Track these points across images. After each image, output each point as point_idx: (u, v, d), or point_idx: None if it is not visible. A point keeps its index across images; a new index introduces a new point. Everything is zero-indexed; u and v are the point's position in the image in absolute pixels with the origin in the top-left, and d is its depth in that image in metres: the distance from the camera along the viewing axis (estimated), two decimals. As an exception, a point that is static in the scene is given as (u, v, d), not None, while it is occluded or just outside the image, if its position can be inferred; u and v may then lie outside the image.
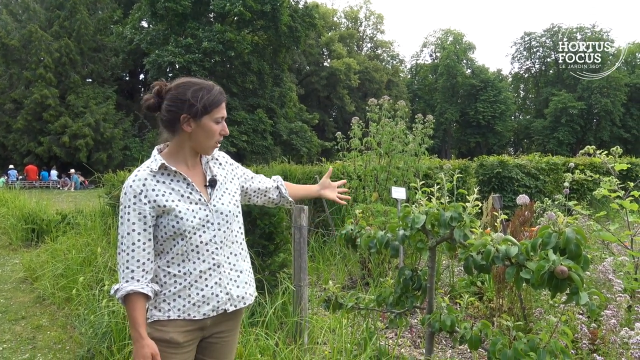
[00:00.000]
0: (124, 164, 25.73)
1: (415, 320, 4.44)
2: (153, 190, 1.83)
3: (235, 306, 1.97)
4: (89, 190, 23.28)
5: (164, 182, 1.86)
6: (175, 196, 1.85)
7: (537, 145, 55.03)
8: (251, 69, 35.22)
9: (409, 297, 2.83)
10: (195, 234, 1.85)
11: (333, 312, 3.37)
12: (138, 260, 1.80)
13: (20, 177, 28.36)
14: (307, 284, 3.87)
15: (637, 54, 54.08)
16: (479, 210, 5.77)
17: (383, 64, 61.41)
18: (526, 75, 65.96)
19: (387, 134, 6.26)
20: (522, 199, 4.16)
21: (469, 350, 3.58)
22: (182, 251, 1.85)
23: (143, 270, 1.81)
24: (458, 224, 2.31)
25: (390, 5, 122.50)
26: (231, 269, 1.96)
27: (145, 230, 1.82)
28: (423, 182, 3.47)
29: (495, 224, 2.68)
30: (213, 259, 1.89)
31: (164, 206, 1.82)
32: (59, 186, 27.26)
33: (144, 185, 1.83)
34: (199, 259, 1.87)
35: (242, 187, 2.19)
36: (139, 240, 1.81)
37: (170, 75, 35.86)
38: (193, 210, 1.85)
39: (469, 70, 61.55)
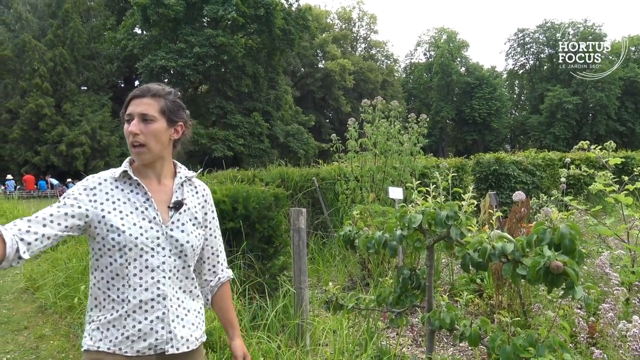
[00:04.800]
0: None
1: (416, 319, 4.47)
2: (107, 193, 1.66)
3: (177, 349, 1.69)
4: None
5: (122, 190, 1.68)
6: (129, 207, 1.66)
7: (533, 141, 55.15)
8: (246, 73, 35.25)
9: (408, 296, 2.86)
10: (141, 256, 1.62)
11: (334, 313, 3.40)
12: (29, 220, 1.51)
13: (18, 187, 28.33)
14: (308, 286, 3.90)
15: (630, 48, 54.24)
16: (476, 209, 5.81)
17: (377, 64, 61.49)
18: (521, 72, 66.07)
19: (382, 135, 6.30)
20: (518, 195, 4.18)
21: (469, 347, 3.61)
22: (124, 273, 1.62)
23: (26, 226, 1.48)
24: (454, 223, 2.34)
25: (383, 5, 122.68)
26: (179, 305, 1.71)
27: (66, 214, 1.56)
28: (419, 181, 3.50)
29: (491, 221, 2.71)
30: (158, 288, 1.64)
31: (109, 212, 1.61)
32: (57, 194, 27.22)
33: (99, 184, 1.67)
34: (141, 286, 1.62)
35: None
36: (51, 215, 1.54)
37: (165, 80, 35.91)
38: (142, 227, 1.63)
39: (463, 68, 61.67)
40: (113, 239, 1.60)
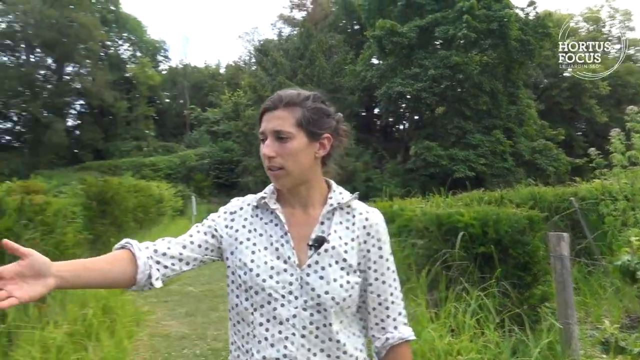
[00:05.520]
0: (367, 196, 27.17)
1: None
2: (245, 219, 1.43)
3: None
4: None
5: (261, 219, 1.42)
6: (264, 242, 1.38)
7: None
8: (483, 90, 34.22)
9: None
10: (269, 303, 1.31)
11: (614, 357, 2.92)
12: (169, 242, 1.37)
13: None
14: (576, 322, 3.46)
15: None
16: None
17: (638, 64, 53.88)
18: None
19: (658, 145, 5.39)
20: None
21: None
22: (249, 320, 1.34)
23: (165, 247, 1.35)
24: None
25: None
26: None
27: (205, 233, 1.41)
28: None
29: None
30: (286, 347, 1.30)
31: (241, 243, 1.38)
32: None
33: (241, 208, 1.45)
34: (266, 339, 1.31)
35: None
36: (190, 236, 1.40)
37: (402, 105, 37.08)
38: (273, 268, 1.33)
39: None
40: (240, 276, 1.35)
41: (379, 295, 1.41)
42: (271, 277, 1.32)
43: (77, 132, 43.94)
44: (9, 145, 41.49)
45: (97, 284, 1.25)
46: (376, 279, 1.41)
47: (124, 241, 1.33)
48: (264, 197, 1.41)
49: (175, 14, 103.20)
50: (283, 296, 1.31)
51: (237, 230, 1.40)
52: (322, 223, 1.39)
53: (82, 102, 44.35)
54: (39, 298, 1.11)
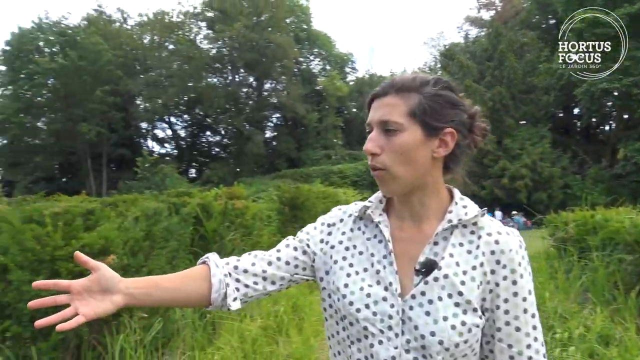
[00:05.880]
0: (565, 204, 24.85)
1: None
2: (343, 233, 1.18)
3: None
4: (531, 231, 23.34)
5: (363, 233, 1.16)
6: (363, 261, 1.11)
7: None
8: None
9: None
10: (366, 337, 1.06)
11: None
12: (256, 256, 1.19)
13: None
14: None
15: None
16: None
17: None
18: None
19: None
20: None
21: None
22: (347, 354, 1.11)
23: (248, 263, 1.17)
24: None
25: None
26: None
27: (295, 249, 1.20)
28: None
29: None
30: None
31: (335, 262, 1.15)
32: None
33: (341, 220, 1.21)
34: None
35: (483, 326, 1.07)
36: (278, 251, 1.20)
37: (608, 104, 33.28)
38: (370, 295, 1.06)
39: None
40: (335, 302, 1.12)
41: (510, 347, 1.05)
42: (367, 306, 1.06)
43: (274, 142, 47.80)
44: (218, 156, 47.42)
45: (169, 302, 1.14)
46: (507, 324, 1.05)
47: (205, 256, 1.20)
48: (367, 207, 1.17)
49: (361, 26, 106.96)
50: (381, 331, 1.04)
51: (332, 247, 1.17)
52: (436, 243, 1.08)
53: (278, 115, 48.41)
54: (105, 315, 1.03)
